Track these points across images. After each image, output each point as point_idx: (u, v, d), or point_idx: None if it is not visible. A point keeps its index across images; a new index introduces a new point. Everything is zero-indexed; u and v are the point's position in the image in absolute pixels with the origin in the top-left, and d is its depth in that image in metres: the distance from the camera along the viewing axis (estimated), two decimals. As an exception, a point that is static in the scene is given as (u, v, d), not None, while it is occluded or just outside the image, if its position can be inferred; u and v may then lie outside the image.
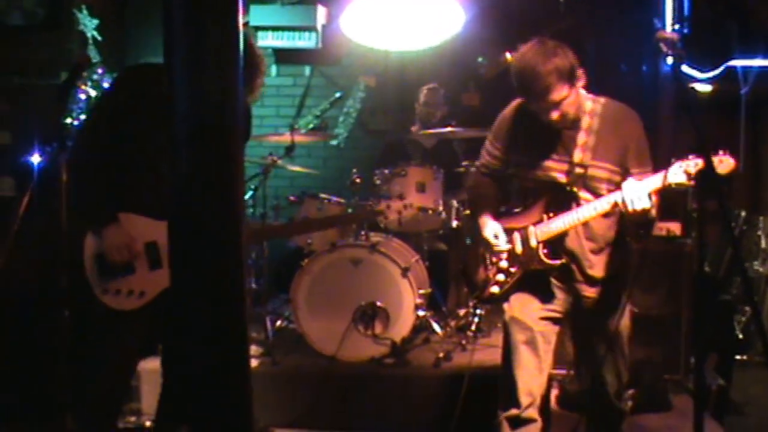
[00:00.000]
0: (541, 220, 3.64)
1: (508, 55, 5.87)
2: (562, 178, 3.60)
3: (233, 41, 2.36)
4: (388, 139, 7.03)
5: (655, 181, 3.41)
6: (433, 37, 6.30)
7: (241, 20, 2.40)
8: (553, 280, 3.70)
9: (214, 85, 2.29)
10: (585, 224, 3.58)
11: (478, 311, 5.56)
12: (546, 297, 3.69)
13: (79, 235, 3.53)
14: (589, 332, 3.73)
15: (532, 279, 3.69)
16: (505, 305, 3.77)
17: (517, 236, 3.69)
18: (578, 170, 3.56)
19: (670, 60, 3.14)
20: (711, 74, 6.30)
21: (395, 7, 6.15)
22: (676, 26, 6.22)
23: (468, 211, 5.22)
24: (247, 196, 5.95)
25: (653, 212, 3.47)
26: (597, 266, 3.65)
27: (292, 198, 6.05)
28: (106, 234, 3.50)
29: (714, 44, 6.30)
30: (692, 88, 6.27)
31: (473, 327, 5.54)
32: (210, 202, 2.32)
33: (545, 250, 3.62)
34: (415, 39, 6.35)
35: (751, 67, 6.42)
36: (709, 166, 3.01)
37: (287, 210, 6.16)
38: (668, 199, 5.14)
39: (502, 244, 3.70)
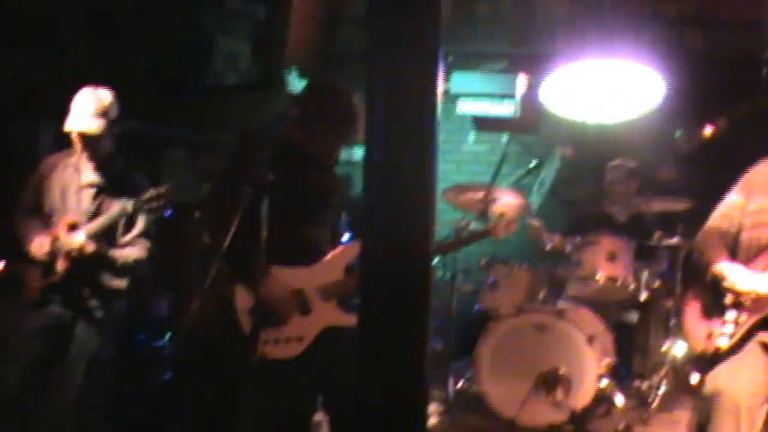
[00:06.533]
0: None
1: (707, 129, 5.81)
2: None
3: (430, 102, 2.50)
4: (580, 210, 7.03)
5: None
6: (633, 110, 6.29)
7: (440, 87, 2.55)
8: None
9: (410, 141, 2.44)
10: None
11: (662, 386, 5.46)
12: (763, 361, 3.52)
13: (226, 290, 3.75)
14: None
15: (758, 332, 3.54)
16: (709, 376, 3.59)
17: None
18: None
19: None
20: None
21: (596, 79, 6.20)
22: None
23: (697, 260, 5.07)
24: (436, 259, 6.07)
25: None
26: None
27: (482, 262, 6.13)
28: (266, 288, 3.68)
29: None
30: None
31: (656, 401, 5.45)
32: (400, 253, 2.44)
33: None
34: (614, 112, 6.36)
35: None
36: None
37: (476, 273, 6.24)
38: None
39: (752, 285, 3.53)
